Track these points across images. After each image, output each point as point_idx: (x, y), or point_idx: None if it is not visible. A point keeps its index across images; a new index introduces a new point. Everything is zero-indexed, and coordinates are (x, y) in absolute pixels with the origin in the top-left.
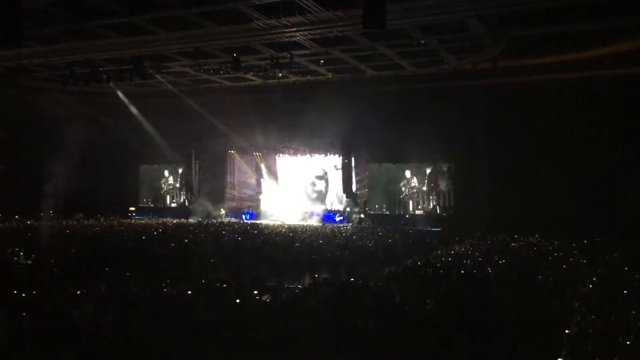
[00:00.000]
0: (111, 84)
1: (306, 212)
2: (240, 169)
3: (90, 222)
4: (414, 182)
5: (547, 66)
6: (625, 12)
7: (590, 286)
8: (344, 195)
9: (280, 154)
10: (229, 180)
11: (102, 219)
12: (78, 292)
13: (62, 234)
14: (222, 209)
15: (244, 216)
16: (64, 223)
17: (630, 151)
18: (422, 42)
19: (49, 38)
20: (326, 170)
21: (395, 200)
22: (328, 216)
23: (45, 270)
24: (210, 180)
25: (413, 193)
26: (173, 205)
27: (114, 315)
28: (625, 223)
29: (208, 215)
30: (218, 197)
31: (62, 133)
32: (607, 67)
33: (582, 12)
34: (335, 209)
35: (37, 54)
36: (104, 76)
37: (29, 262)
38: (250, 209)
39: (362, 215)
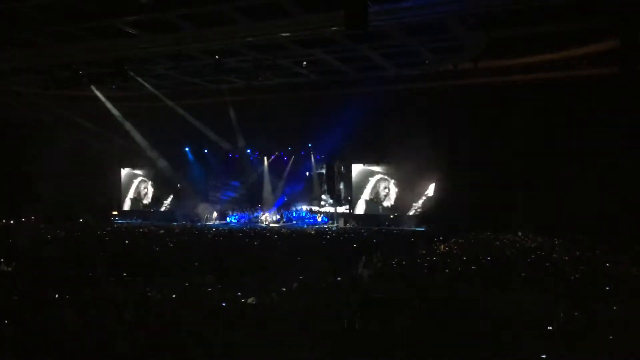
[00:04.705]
0: (93, 87)
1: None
2: (224, 171)
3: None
4: (398, 182)
5: (527, 66)
6: (598, 13)
7: (573, 282)
8: (328, 196)
9: (265, 156)
10: (212, 182)
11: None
12: (60, 298)
13: (45, 238)
14: (214, 212)
15: (228, 219)
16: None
17: (611, 149)
18: (404, 43)
19: (27, 41)
20: (309, 172)
21: (380, 200)
22: (311, 217)
23: (26, 275)
24: (194, 183)
25: (397, 193)
26: (156, 209)
27: (96, 321)
28: (606, 220)
29: (193, 219)
30: (202, 200)
31: (44, 137)
32: (585, 67)
33: (559, 13)
34: (319, 210)
35: (16, 57)
36: (85, 79)
37: (10, 268)
38: (235, 212)
39: (345, 216)
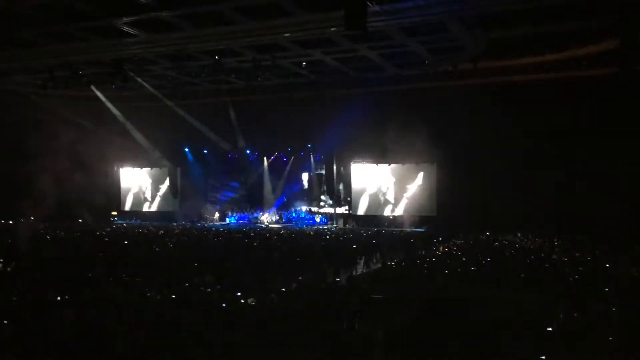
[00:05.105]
0: (93, 87)
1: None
2: (223, 171)
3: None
4: (397, 183)
5: (526, 67)
6: (598, 13)
7: (573, 283)
8: (328, 197)
9: (265, 156)
10: (212, 183)
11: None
12: (59, 298)
13: (45, 238)
14: (216, 212)
15: (228, 219)
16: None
17: (611, 149)
18: (404, 43)
19: (27, 41)
20: (309, 172)
21: (379, 201)
22: (310, 217)
23: (26, 275)
24: (194, 183)
25: (396, 194)
26: (156, 209)
27: (96, 321)
28: (606, 220)
29: (193, 219)
30: (202, 200)
31: (43, 136)
32: (585, 68)
33: (559, 14)
34: (318, 210)
35: (16, 57)
36: (85, 79)
37: (10, 269)
38: (235, 212)
39: (345, 217)
